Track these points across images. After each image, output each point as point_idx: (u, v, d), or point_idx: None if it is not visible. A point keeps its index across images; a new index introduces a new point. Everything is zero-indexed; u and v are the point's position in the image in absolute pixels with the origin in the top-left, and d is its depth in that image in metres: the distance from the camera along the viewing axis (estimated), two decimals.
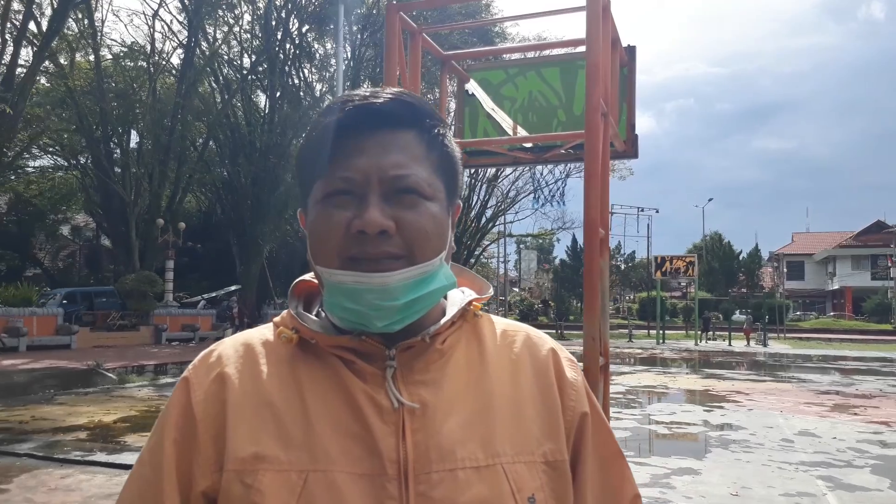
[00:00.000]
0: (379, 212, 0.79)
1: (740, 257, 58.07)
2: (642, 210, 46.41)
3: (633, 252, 62.79)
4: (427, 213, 0.82)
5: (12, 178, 30.69)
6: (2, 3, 24.03)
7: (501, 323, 0.95)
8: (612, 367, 18.29)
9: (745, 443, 8.30)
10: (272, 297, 30.37)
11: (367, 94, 0.83)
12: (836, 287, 58.20)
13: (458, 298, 0.92)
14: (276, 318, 0.91)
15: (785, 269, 61.11)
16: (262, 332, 0.91)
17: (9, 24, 23.81)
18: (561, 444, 0.87)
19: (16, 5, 24.65)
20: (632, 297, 62.49)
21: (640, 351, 27.10)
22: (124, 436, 8.29)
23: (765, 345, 31.67)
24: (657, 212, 46.89)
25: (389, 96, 0.83)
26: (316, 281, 0.93)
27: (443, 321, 0.87)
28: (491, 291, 0.95)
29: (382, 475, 0.78)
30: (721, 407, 11.43)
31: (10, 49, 23.04)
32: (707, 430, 9.34)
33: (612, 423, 8.79)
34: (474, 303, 0.92)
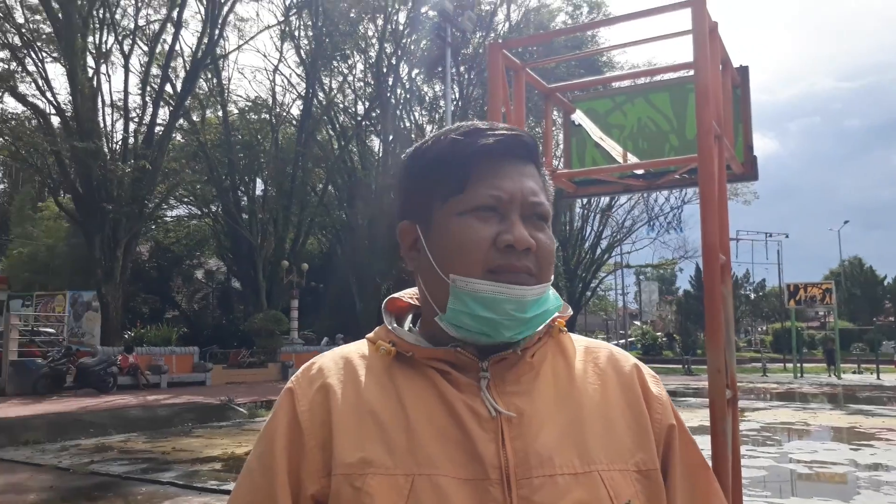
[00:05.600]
0: (526, 231, 0.86)
1: (885, 283, 53.63)
2: (770, 235, 44.01)
3: (763, 280, 59.24)
4: (551, 239, 0.90)
5: (153, 227, 33.32)
6: (142, 69, 26.47)
7: (583, 340, 0.98)
8: (746, 403, 17.23)
9: None
10: None
11: (503, 127, 0.90)
12: None
13: None
14: (370, 335, 0.95)
15: None
16: (359, 347, 0.96)
17: (148, 88, 26.14)
18: (652, 454, 0.89)
19: (154, 70, 27.03)
20: (764, 328, 58.87)
21: (775, 385, 25.37)
22: None
23: None
24: (787, 237, 44.30)
25: (520, 132, 0.91)
26: (405, 300, 0.97)
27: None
28: (570, 311, 0.97)
29: (486, 480, 0.81)
30: (870, 445, 10.49)
31: (149, 110, 25.23)
32: (855, 470, 8.57)
33: (746, 462, 8.31)
34: (558, 320, 0.94)
